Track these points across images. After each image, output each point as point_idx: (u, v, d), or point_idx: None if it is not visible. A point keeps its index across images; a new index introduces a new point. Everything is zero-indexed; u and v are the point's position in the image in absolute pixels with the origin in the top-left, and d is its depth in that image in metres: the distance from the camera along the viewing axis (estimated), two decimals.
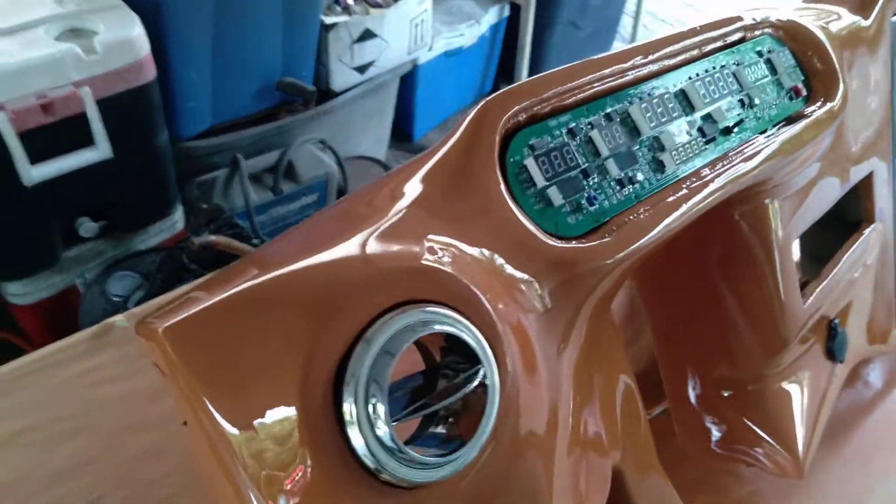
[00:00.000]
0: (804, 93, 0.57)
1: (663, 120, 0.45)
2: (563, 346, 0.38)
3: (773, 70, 0.55)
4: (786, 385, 0.65)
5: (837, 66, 0.58)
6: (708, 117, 0.48)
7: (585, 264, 0.37)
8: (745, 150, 0.49)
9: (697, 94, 0.48)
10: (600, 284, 0.39)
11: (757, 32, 0.57)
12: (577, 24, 2.70)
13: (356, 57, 1.78)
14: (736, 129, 0.50)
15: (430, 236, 0.33)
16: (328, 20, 1.68)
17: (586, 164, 0.40)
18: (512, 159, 0.37)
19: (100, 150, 1.19)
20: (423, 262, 0.32)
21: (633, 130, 0.44)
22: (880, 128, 0.70)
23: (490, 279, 0.34)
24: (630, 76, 0.46)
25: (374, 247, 0.30)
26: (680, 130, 0.46)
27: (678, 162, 0.45)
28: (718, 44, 0.53)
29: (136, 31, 1.18)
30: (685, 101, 0.48)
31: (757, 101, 0.52)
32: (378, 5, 1.84)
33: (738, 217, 0.56)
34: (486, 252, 0.35)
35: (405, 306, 0.30)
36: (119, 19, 1.19)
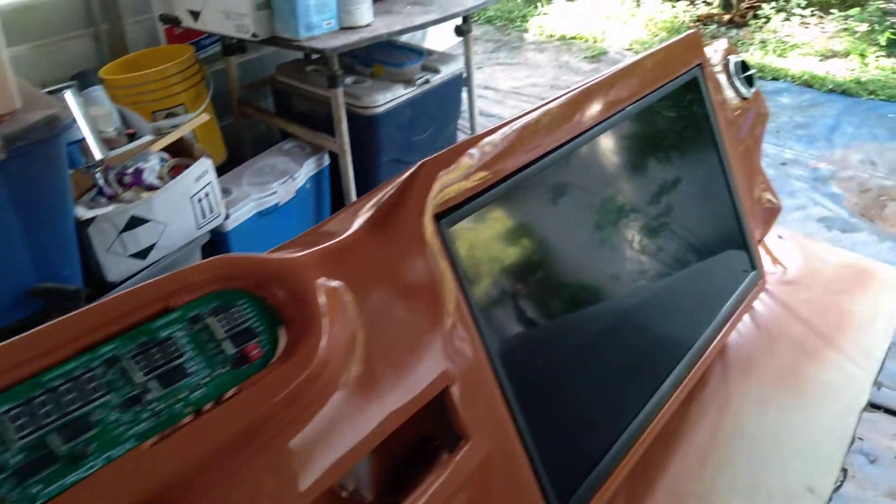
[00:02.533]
0: (261, 352, 0.49)
1: None
2: None
3: (209, 338, 0.48)
4: None
5: (322, 305, 0.52)
6: (40, 446, 0.39)
7: None
8: (104, 478, 0.40)
9: (12, 426, 0.39)
10: None
11: (204, 291, 0.50)
12: (404, 160, 2.74)
13: (129, 245, 1.70)
14: (94, 449, 0.40)
15: None
16: (87, 215, 1.61)
17: None
18: None
19: None
20: None
21: None
22: (447, 342, 0.63)
23: None
24: None
25: None
26: None
27: None
28: (101, 334, 0.45)
29: None
30: None
31: (155, 394, 0.43)
32: (152, 187, 1.79)
33: None
34: None
35: None
36: None
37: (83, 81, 1.96)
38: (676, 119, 1.02)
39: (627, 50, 4.94)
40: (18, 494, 0.37)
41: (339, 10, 2.20)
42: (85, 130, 1.60)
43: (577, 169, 0.82)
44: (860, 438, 1.99)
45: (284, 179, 2.36)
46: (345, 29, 2.23)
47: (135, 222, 1.68)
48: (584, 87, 0.85)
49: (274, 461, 0.50)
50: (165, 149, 1.95)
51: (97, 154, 1.64)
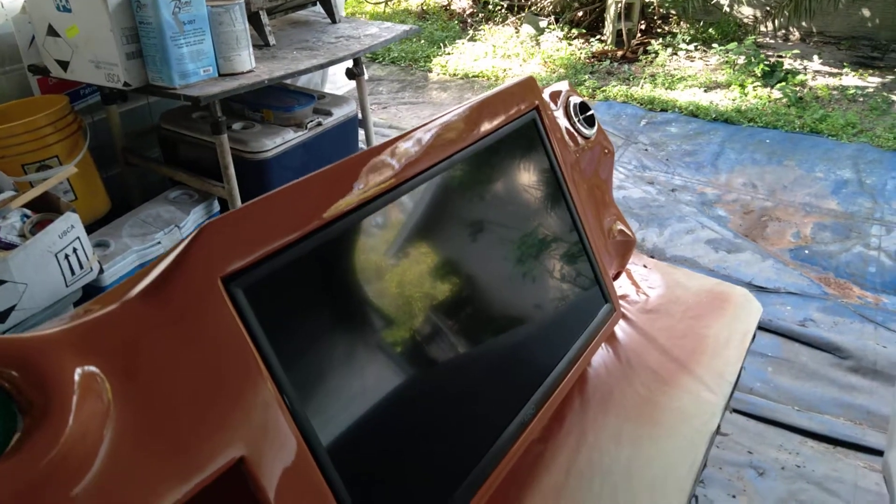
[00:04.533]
0: None
1: None
2: None
3: None
4: None
5: (70, 386, 0.48)
6: None
7: None
8: None
9: None
10: None
11: None
12: None
13: None
14: None
15: None
16: None
17: None
18: None
19: None
20: None
21: None
22: (241, 411, 0.60)
23: None
24: None
25: None
26: None
27: None
28: None
29: None
30: None
31: None
32: (10, 246, 1.68)
33: None
34: None
35: None
36: None
37: None
38: (515, 160, 1.04)
39: None
40: None
41: (217, 56, 2.17)
42: None
43: (399, 222, 0.81)
44: (749, 452, 2.06)
45: (169, 229, 2.28)
46: (224, 76, 2.19)
47: None
48: (408, 135, 0.85)
49: None
50: (30, 205, 1.84)
51: None
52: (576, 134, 1.15)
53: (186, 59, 2.04)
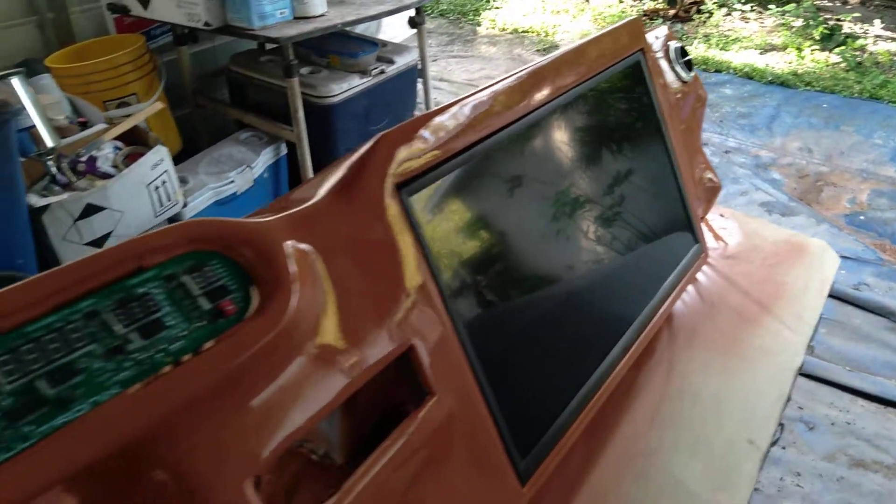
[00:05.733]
0: (234, 308, 0.52)
1: None
2: None
3: (185, 295, 0.50)
4: None
5: (291, 266, 0.55)
6: (29, 390, 0.41)
7: None
8: (91, 420, 0.43)
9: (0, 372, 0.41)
10: None
11: (176, 251, 0.53)
12: None
13: (85, 233, 1.68)
14: (81, 394, 0.43)
15: None
16: (39, 203, 1.59)
17: None
18: None
19: None
20: None
21: None
22: (411, 303, 0.67)
23: None
24: None
25: None
26: None
27: None
28: (78, 291, 0.47)
29: None
30: None
31: (136, 344, 0.46)
32: (106, 175, 1.77)
33: None
34: None
35: None
36: None
37: (30, 69, 1.92)
38: (621, 101, 1.08)
39: None
40: (12, 433, 0.40)
41: (292, 0, 2.20)
42: (35, 118, 1.58)
43: (529, 147, 0.86)
44: (800, 407, 2.11)
45: (242, 169, 2.35)
46: (298, 19, 2.23)
47: (90, 210, 1.67)
48: (532, 69, 0.90)
49: (248, 411, 0.53)
50: (119, 138, 1.92)
51: (48, 142, 1.62)
52: (675, 78, 1.18)
53: (264, 1, 2.08)
